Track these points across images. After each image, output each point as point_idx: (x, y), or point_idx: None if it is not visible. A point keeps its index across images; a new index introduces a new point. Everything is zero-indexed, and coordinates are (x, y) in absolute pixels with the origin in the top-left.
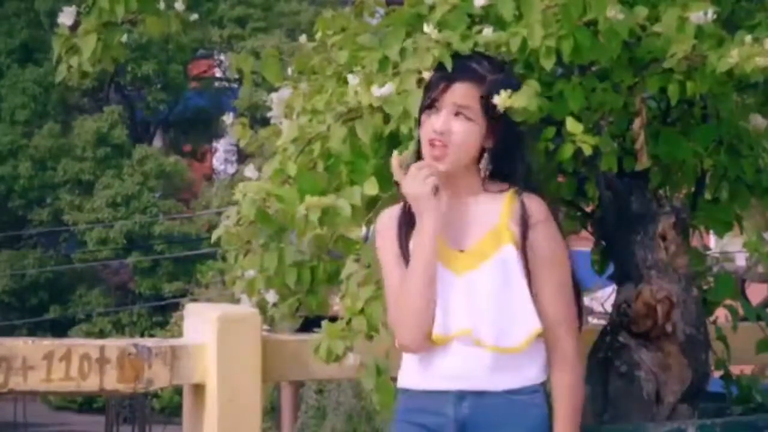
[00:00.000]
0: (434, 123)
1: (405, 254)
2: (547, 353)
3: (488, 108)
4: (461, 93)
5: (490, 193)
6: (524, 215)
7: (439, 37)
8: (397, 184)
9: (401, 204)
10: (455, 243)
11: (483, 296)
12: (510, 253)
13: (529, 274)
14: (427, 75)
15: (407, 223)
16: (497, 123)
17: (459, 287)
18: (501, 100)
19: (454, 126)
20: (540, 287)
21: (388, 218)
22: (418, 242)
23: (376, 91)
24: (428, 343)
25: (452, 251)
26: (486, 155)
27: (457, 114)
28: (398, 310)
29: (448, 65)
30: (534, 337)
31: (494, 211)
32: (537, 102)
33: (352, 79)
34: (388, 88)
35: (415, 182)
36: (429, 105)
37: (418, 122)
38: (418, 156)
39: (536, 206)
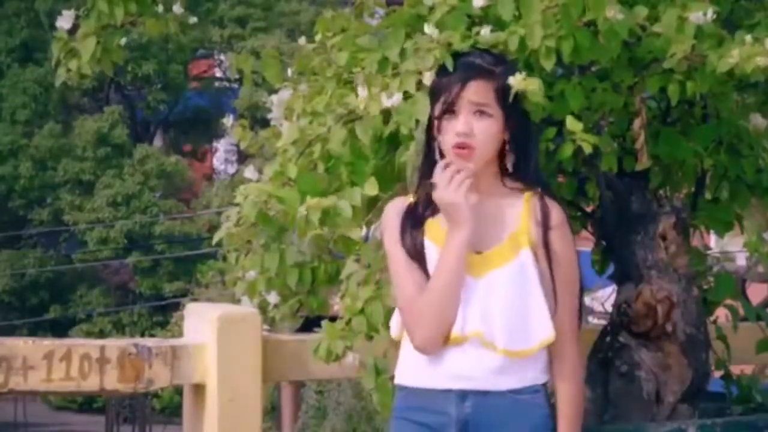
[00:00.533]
0: (455, 126)
1: (409, 251)
2: (551, 358)
3: (504, 99)
4: (475, 90)
5: (509, 192)
6: (545, 218)
7: (440, 38)
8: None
9: (406, 199)
10: (471, 246)
11: (499, 299)
12: (527, 256)
13: (543, 278)
14: (427, 75)
15: (413, 219)
16: (512, 113)
17: (476, 290)
18: (516, 82)
19: (476, 125)
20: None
21: (395, 214)
22: (448, 249)
23: (386, 101)
24: (442, 345)
25: (469, 254)
26: (508, 148)
27: (475, 113)
28: (418, 311)
29: (449, 65)
30: (545, 345)
31: (514, 213)
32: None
33: (362, 92)
34: (398, 97)
35: (449, 188)
36: (446, 109)
37: (428, 125)
38: (424, 157)
39: (556, 211)
